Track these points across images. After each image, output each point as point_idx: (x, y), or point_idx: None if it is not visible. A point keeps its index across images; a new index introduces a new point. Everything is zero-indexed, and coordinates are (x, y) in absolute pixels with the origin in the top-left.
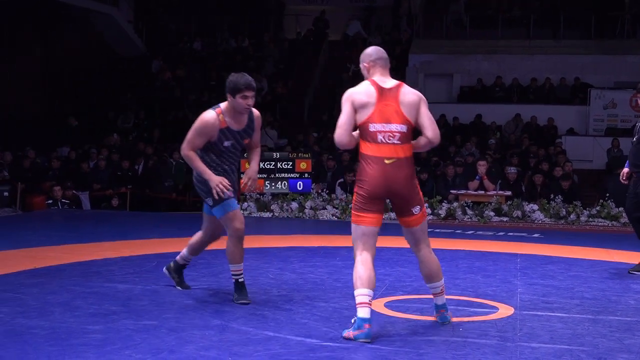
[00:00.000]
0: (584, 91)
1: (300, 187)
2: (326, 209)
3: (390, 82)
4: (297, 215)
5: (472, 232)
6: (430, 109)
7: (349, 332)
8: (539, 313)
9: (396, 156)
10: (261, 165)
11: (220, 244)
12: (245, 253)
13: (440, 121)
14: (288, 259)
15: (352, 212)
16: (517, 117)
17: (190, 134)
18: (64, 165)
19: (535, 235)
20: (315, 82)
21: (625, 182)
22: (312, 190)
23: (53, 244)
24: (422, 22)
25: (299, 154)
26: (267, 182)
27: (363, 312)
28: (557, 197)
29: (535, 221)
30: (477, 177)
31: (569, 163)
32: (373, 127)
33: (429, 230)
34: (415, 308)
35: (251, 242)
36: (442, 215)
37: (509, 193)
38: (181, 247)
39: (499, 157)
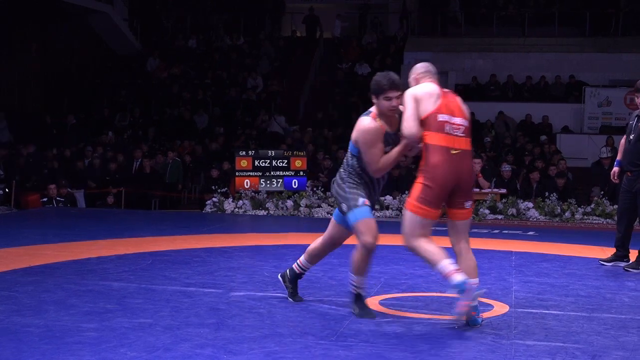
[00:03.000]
0: (579, 89)
1: (295, 185)
2: (321, 207)
3: (445, 89)
4: (292, 213)
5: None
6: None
7: (459, 305)
8: (534, 311)
9: (461, 147)
10: (256, 163)
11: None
12: (239, 251)
13: None
14: (283, 256)
15: (414, 202)
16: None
17: (366, 154)
18: (60, 163)
19: (530, 233)
20: (310, 80)
21: (617, 181)
22: (307, 188)
23: (48, 242)
24: (417, 20)
25: (294, 152)
26: (262, 180)
27: (459, 276)
28: (552, 195)
29: (530, 219)
30: None
31: (562, 161)
32: (441, 117)
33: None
34: (410, 305)
35: (246, 240)
36: None
37: (503, 191)
38: (176, 246)
39: (494, 155)
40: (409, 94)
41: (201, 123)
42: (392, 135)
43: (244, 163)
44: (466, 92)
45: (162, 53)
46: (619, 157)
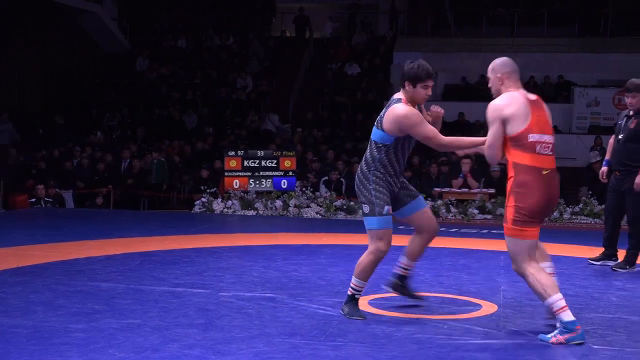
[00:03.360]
0: (568, 89)
1: (284, 185)
2: (310, 207)
3: (530, 95)
4: (281, 213)
5: (456, 229)
6: None
7: (557, 337)
8: (523, 310)
9: (550, 167)
10: (245, 163)
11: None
12: (228, 251)
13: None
14: (272, 257)
15: (511, 226)
16: None
17: (418, 133)
18: (48, 163)
19: None
20: (300, 80)
21: (605, 181)
22: (296, 188)
23: (36, 243)
24: (406, 20)
25: (283, 152)
26: (251, 180)
27: (568, 316)
28: None
29: None
30: (460, 175)
31: None
32: (532, 137)
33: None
34: (399, 306)
35: (235, 240)
36: None
37: (492, 191)
38: (165, 246)
39: (483, 154)
40: (494, 114)
41: (190, 123)
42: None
43: (233, 163)
44: (455, 92)
45: (152, 53)
46: (607, 156)
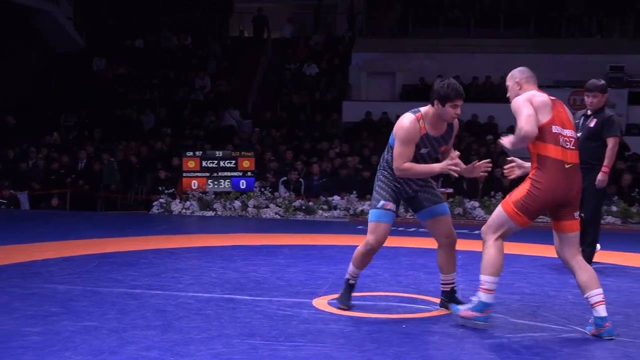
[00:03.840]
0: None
1: (243, 185)
2: (269, 208)
3: (550, 96)
4: (240, 213)
5: (415, 229)
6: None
7: (467, 311)
8: None
9: (573, 161)
10: (203, 164)
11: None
12: (187, 252)
13: (383, 119)
14: (231, 257)
15: (513, 206)
16: None
17: (397, 148)
18: (2, 165)
19: (477, 232)
20: (258, 80)
21: None
22: (255, 189)
23: None
24: (364, 21)
25: (242, 153)
26: (209, 180)
27: (488, 299)
28: (497, 194)
29: (476, 218)
30: None
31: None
32: (555, 129)
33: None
34: (358, 305)
35: (194, 241)
36: None
37: (450, 190)
38: (122, 247)
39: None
40: (523, 100)
41: (148, 123)
42: (432, 138)
43: (191, 164)
44: (413, 92)
45: (109, 53)
46: None
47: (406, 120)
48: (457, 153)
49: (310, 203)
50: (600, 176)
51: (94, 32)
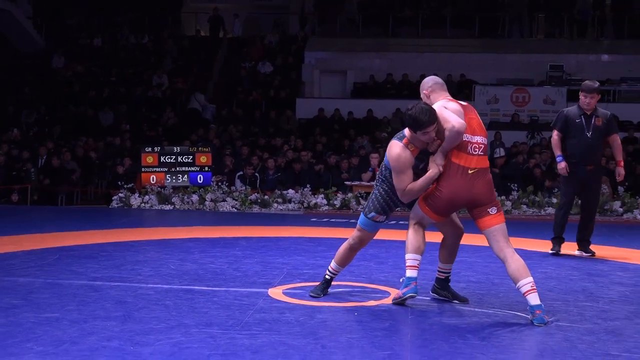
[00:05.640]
0: (469, 87)
1: (200, 180)
2: (226, 201)
3: (460, 101)
4: (197, 207)
5: None
6: (325, 105)
7: (397, 292)
8: (429, 297)
9: (478, 166)
10: (161, 159)
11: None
12: (146, 245)
13: (335, 116)
14: (189, 250)
15: (424, 204)
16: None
17: (395, 179)
18: None
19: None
20: (214, 78)
21: (565, 174)
22: (212, 183)
23: None
24: (316, 21)
25: (199, 148)
26: (167, 175)
27: (412, 274)
28: None
29: None
30: (370, 169)
31: None
32: (465, 137)
33: (326, 220)
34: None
35: (153, 234)
36: (337, 206)
37: None
38: (82, 240)
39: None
40: (438, 107)
41: (107, 120)
42: (425, 151)
43: (150, 159)
44: (364, 90)
45: (67, 51)
46: (560, 152)
47: (395, 150)
48: (438, 142)
49: (266, 197)
50: (622, 171)
51: (53, 31)
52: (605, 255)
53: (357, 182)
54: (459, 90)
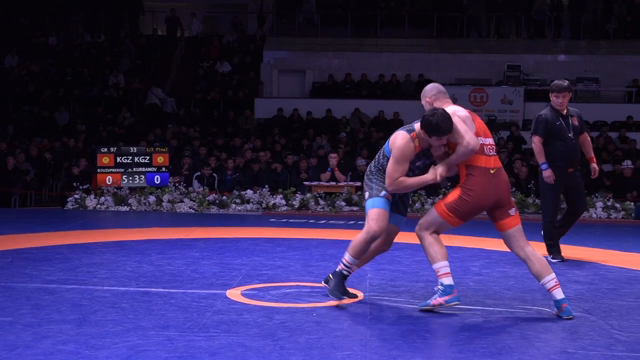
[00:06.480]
0: None
1: (157, 180)
2: (184, 202)
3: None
4: (154, 208)
5: (325, 221)
6: (284, 104)
7: (437, 299)
8: (387, 297)
9: (496, 166)
10: (118, 159)
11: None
12: (102, 247)
13: (294, 115)
14: (146, 251)
15: (445, 209)
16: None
17: (391, 165)
18: None
19: None
20: (172, 77)
21: (551, 182)
22: (169, 184)
23: None
24: (275, 20)
25: (156, 148)
26: (124, 176)
27: (449, 280)
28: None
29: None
30: (328, 169)
31: None
32: (481, 140)
33: (284, 220)
34: (271, 295)
35: (109, 236)
36: (296, 206)
37: (359, 184)
38: (37, 243)
39: (349, 149)
40: (452, 114)
41: (62, 120)
42: (426, 150)
43: (105, 160)
44: (323, 89)
45: (21, 50)
46: (544, 159)
47: (401, 139)
48: (444, 149)
49: (224, 197)
50: (596, 167)
51: (6, 29)
52: (562, 254)
53: (316, 182)
54: (417, 90)
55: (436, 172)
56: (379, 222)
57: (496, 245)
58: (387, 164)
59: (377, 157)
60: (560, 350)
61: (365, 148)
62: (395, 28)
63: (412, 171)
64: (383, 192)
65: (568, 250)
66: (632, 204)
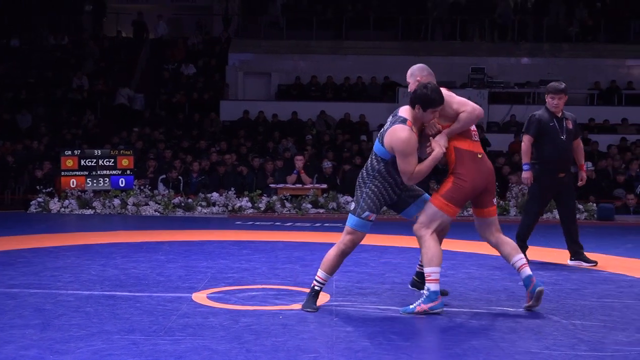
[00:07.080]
0: (393, 89)
1: (122, 183)
2: (149, 205)
3: None
4: (119, 211)
5: (291, 223)
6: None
7: (421, 306)
8: (354, 299)
9: (481, 151)
10: (82, 162)
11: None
12: (66, 250)
13: (259, 118)
14: (111, 255)
15: (442, 199)
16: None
17: (403, 162)
18: None
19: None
20: (136, 79)
21: (528, 184)
22: (134, 187)
23: None
24: (240, 22)
25: (121, 151)
26: (88, 179)
27: (436, 287)
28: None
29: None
30: (294, 172)
31: None
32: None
33: (250, 222)
34: (237, 298)
35: (73, 239)
36: (262, 209)
37: (325, 186)
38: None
39: (315, 152)
40: (449, 95)
41: (24, 123)
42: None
43: (69, 162)
44: (288, 92)
45: None
46: (527, 160)
47: (403, 132)
48: (438, 126)
49: (190, 200)
50: (584, 175)
51: None
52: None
53: (282, 185)
54: (383, 92)
55: (440, 144)
56: (354, 243)
57: (460, 246)
58: (384, 169)
59: (368, 162)
60: (525, 350)
61: (331, 150)
62: (361, 31)
63: (420, 160)
64: (365, 214)
65: (532, 252)
66: (595, 205)
